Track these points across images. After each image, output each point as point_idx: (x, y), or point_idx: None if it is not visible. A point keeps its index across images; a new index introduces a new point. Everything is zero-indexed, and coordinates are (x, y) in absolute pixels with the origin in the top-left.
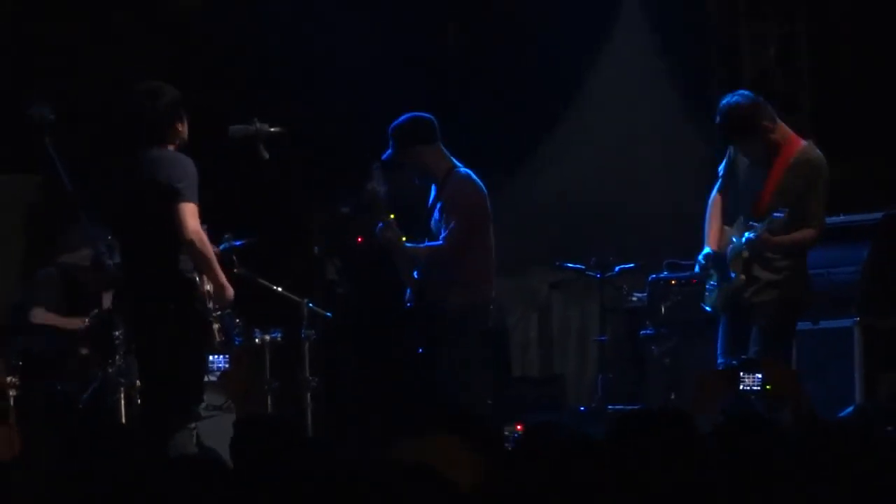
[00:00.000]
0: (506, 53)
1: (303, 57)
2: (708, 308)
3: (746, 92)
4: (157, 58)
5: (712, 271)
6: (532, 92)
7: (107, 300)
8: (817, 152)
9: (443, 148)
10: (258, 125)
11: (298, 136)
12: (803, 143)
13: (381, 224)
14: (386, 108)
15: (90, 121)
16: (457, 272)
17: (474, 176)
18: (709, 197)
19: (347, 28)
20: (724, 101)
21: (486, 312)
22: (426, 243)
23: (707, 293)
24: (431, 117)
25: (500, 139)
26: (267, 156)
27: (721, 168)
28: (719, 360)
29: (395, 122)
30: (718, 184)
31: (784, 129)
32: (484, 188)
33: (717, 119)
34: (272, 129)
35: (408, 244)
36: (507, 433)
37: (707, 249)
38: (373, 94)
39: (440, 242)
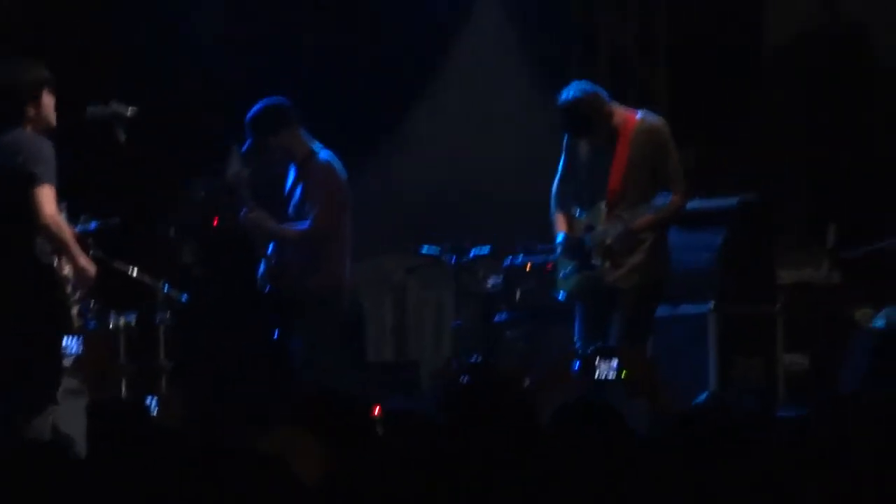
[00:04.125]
0: (362, 36)
1: (161, 38)
2: (562, 295)
3: (580, 83)
4: (12, 35)
5: (569, 258)
6: (388, 75)
7: None
8: (653, 117)
9: (302, 131)
10: (115, 106)
11: (155, 118)
12: (638, 114)
13: (245, 208)
14: (242, 89)
15: None
16: (315, 256)
17: (335, 160)
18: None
19: (206, 7)
20: (561, 97)
21: (342, 297)
22: (293, 225)
23: (561, 280)
24: (286, 102)
25: (356, 123)
26: (124, 137)
27: (560, 162)
28: (577, 345)
29: (251, 111)
30: (558, 176)
31: (618, 110)
32: (344, 172)
33: (560, 115)
34: (129, 111)
35: (273, 227)
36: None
37: (562, 235)
38: (229, 76)
39: (306, 225)
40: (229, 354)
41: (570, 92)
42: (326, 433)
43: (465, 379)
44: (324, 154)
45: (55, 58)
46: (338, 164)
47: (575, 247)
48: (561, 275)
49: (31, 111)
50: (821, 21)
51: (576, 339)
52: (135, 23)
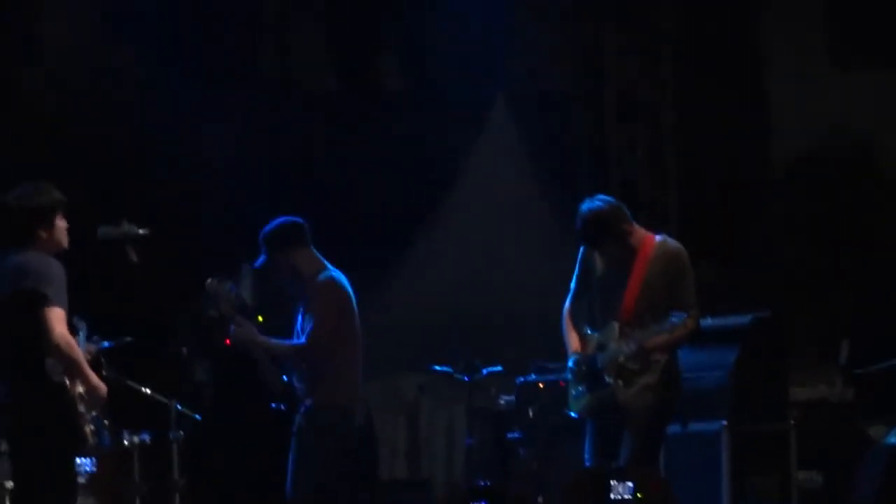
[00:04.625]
0: (376, 156)
1: (173, 158)
2: (574, 414)
3: (604, 196)
4: (24, 155)
5: (580, 378)
6: (400, 197)
7: None
8: (673, 243)
9: (314, 251)
10: (126, 227)
11: (167, 237)
12: (657, 238)
13: (232, 326)
14: (256, 208)
15: None
16: (321, 372)
17: (340, 277)
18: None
19: (219, 131)
20: (583, 206)
21: (349, 414)
22: (287, 341)
23: (573, 399)
24: (301, 221)
25: (368, 242)
26: (135, 258)
27: (573, 279)
28: (587, 465)
29: (266, 227)
30: (571, 293)
31: (638, 230)
32: (348, 289)
33: (578, 224)
34: (140, 231)
35: (272, 341)
36: None
37: (575, 355)
38: (243, 196)
39: (302, 340)
40: (242, 473)
41: (593, 202)
42: None
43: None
44: (329, 272)
45: (67, 177)
46: (343, 282)
47: (587, 366)
48: (573, 394)
49: (43, 234)
50: (827, 137)
51: (586, 457)
52: (146, 141)
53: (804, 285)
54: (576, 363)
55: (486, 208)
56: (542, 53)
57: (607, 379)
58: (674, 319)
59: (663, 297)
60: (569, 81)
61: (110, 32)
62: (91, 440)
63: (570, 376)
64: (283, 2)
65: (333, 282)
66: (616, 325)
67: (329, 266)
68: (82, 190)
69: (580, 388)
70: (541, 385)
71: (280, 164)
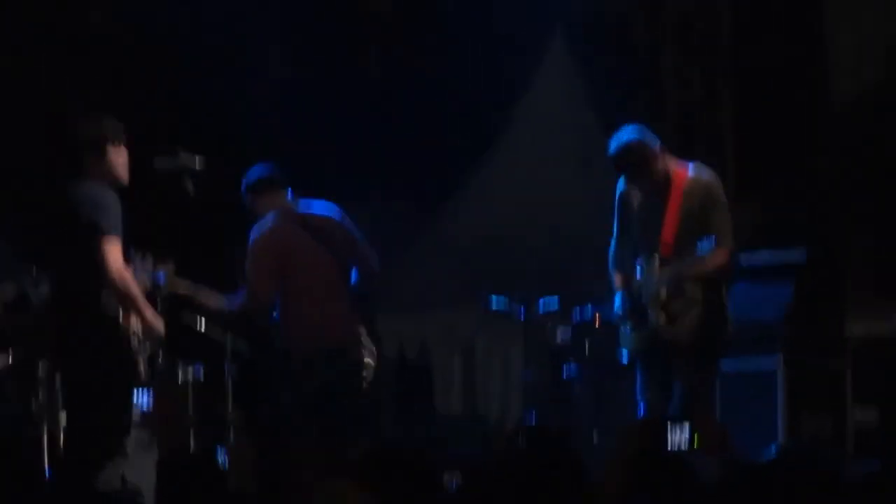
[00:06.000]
0: (428, 92)
1: (228, 86)
2: (624, 354)
3: (634, 126)
4: (82, 87)
5: (627, 317)
6: (454, 130)
7: None
8: (707, 172)
9: (282, 195)
10: (183, 157)
11: (223, 167)
12: (691, 166)
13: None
14: (308, 138)
15: (15, 149)
16: (281, 319)
17: (269, 223)
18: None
19: (270, 57)
20: (615, 140)
21: (321, 358)
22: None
23: (623, 337)
24: (273, 166)
25: (423, 177)
26: (192, 188)
27: (615, 219)
28: (640, 403)
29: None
30: (614, 233)
31: (671, 161)
32: (274, 232)
33: (611, 153)
34: (197, 162)
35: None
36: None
37: (620, 293)
38: (295, 124)
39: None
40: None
41: (623, 135)
42: (384, 490)
43: (522, 441)
44: (258, 224)
45: (125, 108)
46: (266, 226)
47: (631, 303)
48: (623, 333)
49: (93, 163)
50: (885, 75)
51: (638, 396)
52: (200, 75)
53: (861, 220)
54: (622, 301)
55: (542, 142)
56: None
57: (651, 315)
58: (702, 248)
59: (700, 227)
60: (626, 8)
61: None
62: (145, 374)
63: (617, 314)
64: None
65: (256, 234)
66: (657, 260)
67: (293, 205)
68: (138, 120)
69: (628, 328)
70: (597, 321)
71: (330, 96)
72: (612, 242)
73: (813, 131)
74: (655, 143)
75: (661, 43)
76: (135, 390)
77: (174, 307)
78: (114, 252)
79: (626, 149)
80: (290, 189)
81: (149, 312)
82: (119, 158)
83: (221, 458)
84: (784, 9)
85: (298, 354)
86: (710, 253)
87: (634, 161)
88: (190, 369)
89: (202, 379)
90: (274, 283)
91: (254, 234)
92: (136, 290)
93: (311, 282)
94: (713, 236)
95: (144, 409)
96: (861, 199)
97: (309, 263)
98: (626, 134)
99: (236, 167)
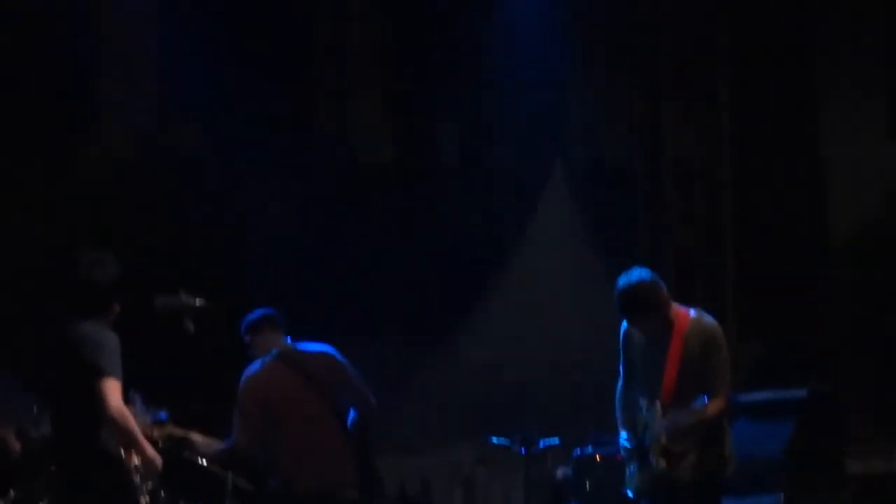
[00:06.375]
0: (432, 226)
1: (229, 229)
2: (630, 493)
3: (643, 270)
4: (79, 225)
5: (632, 458)
6: (457, 267)
7: None
8: (708, 318)
9: (279, 336)
10: (184, 297)
11: (224, 308)
12: (692, 312)
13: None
14: (311, 280)
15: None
16: (272, 462)
17: (257, 365)
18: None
19: (275, 201)
20: (622, 280)
21: (312, 500)
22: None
23: (628, 477)
24: (263, 314)
25: (425, 313)
26: (193, 329)
27: (620, 361)
28: None
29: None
30: (621, 377)
31: (673, 304)
32: (263, 373)
33: (617, 297)
34: (198, 302)
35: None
36: None
37: (625, 434)
38: (298, 266)
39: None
40: None
41: (631, 276)
42: None
43: None
44: (249, 367)
45: (123, 245)
46: (255, 370)
47: (636, 446)
48: (628, 473)
49: (110, 306)
50: (883, 213)
51: None
52: (204, 213)
53: (861, 357)
54: (627, 442)
55: (543, 278)
56: (599, 123)
57: (652, 460)
58: (697, 405)
59: (701, 371)
60: (625, 150)
61: (167, 102)
62: None
63: (623, 455)
64: (340, 72)
65: (245, 377)
66: (658, 405)
67: (287, 346)
68: (139, 260)
69: (632, 468)
70: (598, 457)
71: (336, 234)
72: (619, 384)
73: (812, 268)
74: (662, 288)
75: (661, 179)
76: None
77: (175, 444)
78: (113, 391)
79: (634, 289)
80: (286, 334)
81: (149, 450)
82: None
83: None
84: (782, 147)
85: (290, 495)
86: (710, 401)
87: (640, 303)
88: None
89: None
90: (255, 429)
91: (243, 377)
92: (135, 427)
93: (301, 421)
94: (708, 393)
95: None
96: (859, 336)
97: (300, 401)
98: (636, 275)
99: (235, 309)
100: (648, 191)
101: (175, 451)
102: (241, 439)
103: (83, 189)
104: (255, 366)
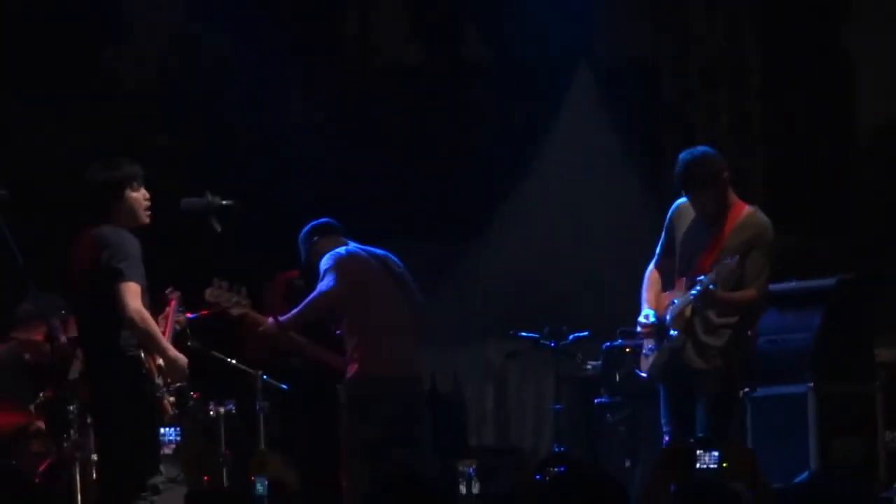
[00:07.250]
0: (459, 126)
1: (254, 130)
2: (643, 375)
3: (706, 147)
4: (108, 133)
5: (651, 334)
6: (484, 163)
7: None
8: (764, 217)
9: (342, 240)
10: (210, 198)
11: (250, 207)
12: (749, 207)
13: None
14: (339, 178)
15: (43, 196)
16: (348, 347)
17: (345, 250)
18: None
19: (300, 102)
20: (685, 153)
21: (384, 390)
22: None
23: (643, 357)
24: (327, 220)
25: (453, 210)
26: (219, 228)
27: (659, 243)
28: (664, 430)
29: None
30: (656, 258)
31: (732, 194)
32: (353, 258)
33: (678, 169)
34: (224, 202)
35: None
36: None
37: (647, 310)
38: (325, 166)
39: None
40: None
41: (696, 149)
42: None
43: (559, 471)
44: (334, 250)
45: (152, 151)
46: (342, 252)
47: (656, 322)
48: (643, 353)
49: (115, 208)
50: None
51: (662, 421)
52: (230, 116)
53: (891, 248)
54: (646, 318)
55: (570, 175)
56: (626, 19)
57: (672, 333)
58: (727, 261)
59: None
60: (653, 47)
61: (192, 6)
62: (171, 411)
63: (638, 330)
64: None
65: (334, 254)
66: (687, 280)
67: (351, 247)
68: (164, 163)
69: (649, 346)
70: (627, 350)
71: (362, 136)
72: (652, 262)
73: (840, 160)
74: (725, 166)
75: (688, 76)
76: (163, 427)
77: (205, 345)
78: (132, 294)
79: (701, 160)
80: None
81: (171, 351)
82: (137, 201)
83: (262, 489)
84: (810, 42)
85: (378, 382)
86: (741, 291)
87: (705, 175)
88: (221, 407)
89: (234, 414)
90: (350, 289)
91: (334, 255)
92: (156, 329)
93: (388, 305)
94: (736, 257)
95: (174, 445)
96: (889, 225)
97: (386, 287)
98: (701, 149)
99: (262, 209)
100: (675, 88)
101: (202, 352)
102: (331, 292)
103: (115, 102)
104: (342, 249)
